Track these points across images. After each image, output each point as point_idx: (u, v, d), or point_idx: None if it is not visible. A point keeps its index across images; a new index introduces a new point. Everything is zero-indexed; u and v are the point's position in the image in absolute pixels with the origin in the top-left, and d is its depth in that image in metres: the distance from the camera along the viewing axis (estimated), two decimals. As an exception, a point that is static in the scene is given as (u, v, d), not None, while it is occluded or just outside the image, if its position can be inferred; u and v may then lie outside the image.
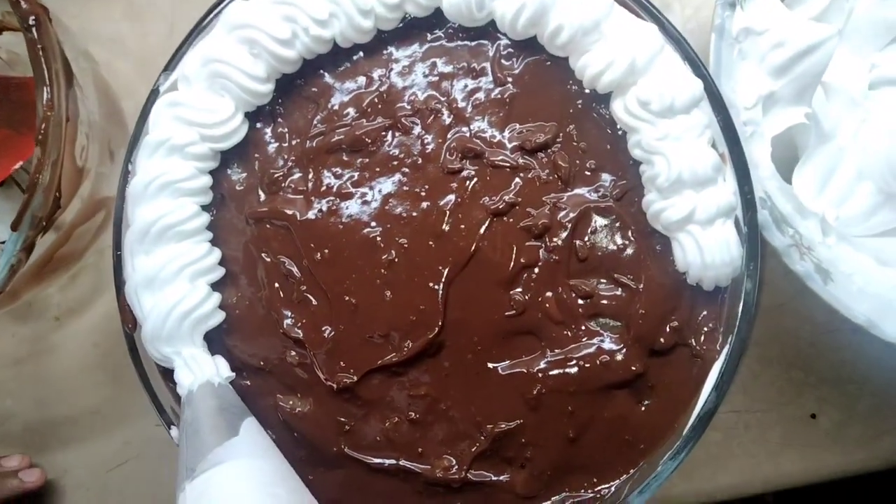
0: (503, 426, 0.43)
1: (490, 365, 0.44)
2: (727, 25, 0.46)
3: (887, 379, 0.57)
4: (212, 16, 0.44)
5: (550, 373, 0.43)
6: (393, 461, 0.44)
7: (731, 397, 0.59)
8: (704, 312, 0.43)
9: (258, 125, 0.45)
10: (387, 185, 0.44)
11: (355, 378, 0.43)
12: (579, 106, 0.44)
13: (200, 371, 0.42)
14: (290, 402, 0.45)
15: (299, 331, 0.44)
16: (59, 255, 0.58)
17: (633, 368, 0.42)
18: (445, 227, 0.43)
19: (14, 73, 0.65)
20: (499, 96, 0.44)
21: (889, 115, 0.52)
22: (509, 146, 0.43)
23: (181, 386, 0.43)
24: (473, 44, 0.44)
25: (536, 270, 0.43)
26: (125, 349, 0.49)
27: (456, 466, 0.43)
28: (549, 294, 0.43)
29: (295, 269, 0.44)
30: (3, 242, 0.65)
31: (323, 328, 0.44)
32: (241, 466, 0.39)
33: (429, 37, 0.44)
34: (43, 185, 0.50)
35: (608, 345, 0.43)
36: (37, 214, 0.50)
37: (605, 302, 0.43)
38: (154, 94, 0.44)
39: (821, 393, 0.58)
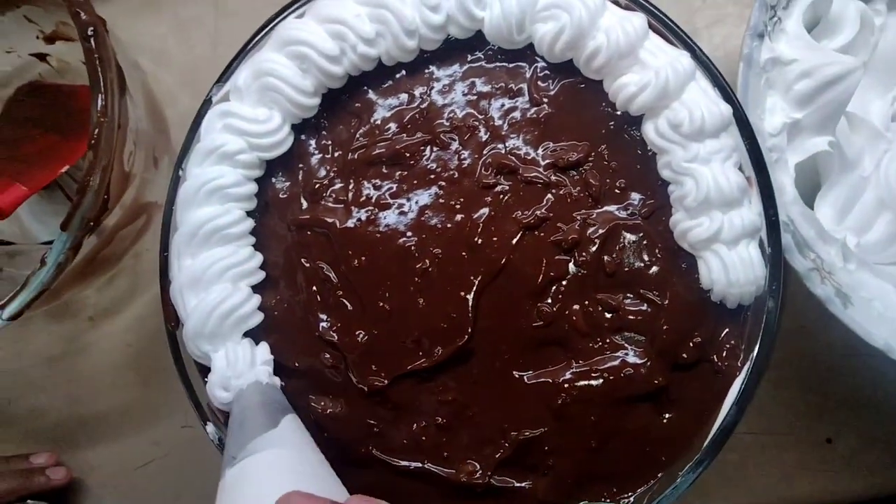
0: (527, 434, 0.44)
1: (516, 374, 0.45)
2: (755, 55, 0.48)
3: (905, 405, 0.58)
4: (264, 31, 0.46)
5: (575, 383, 0.44)
6: (419, 464, 0.45)
7: (748, 418, 0.60)
8: (727, 329, 0.45)
9: (303, 137, 0.47)
10: (423, 197, 0.45)
11: (386, 382, 0.45)
12: (611, 127, 0.45)
13: (249, 369, 0.44)
14: (322, 403, 0.46)
15: (334, 334, 0.46)
16: (101, 257, 0.60)
17: (656, 382, 0.44)
18: (478, 240, 0.45)
19: (64, 80, 0.67)
20: (534, 116, 0.45)
21: (911, 147, 0.53)
22: (542, 163, 0.45)
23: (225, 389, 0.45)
24: (511, 65, 0.46)
25: (565, 283, 0.45)
26: (157, 350, 0.51)
27: (480, 472, 0.45)
28: (576, 307, 0.45)
29: (332, 275, 0.46)
30: (46, 243, 0.68)
31: (357, 332, 0.45)
32: (274, 455, 0.40)
33: (469, 58, 0.46)
34: (93, 188, 0.52)
35: (632, 358, 0.44)
36: (85, 216, 0.52)
37: (630, 317, 0.44)
38: (206, 105, 0.46)
39: (838, 417, 0.59)
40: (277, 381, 0.46)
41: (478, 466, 0.45)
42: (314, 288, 0.46)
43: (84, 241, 0.54)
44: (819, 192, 0.53)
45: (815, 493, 0.59)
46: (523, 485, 0.45)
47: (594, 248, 0.44)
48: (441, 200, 0.45)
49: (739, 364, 0.44)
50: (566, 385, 0.44)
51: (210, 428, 0.46)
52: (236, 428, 0.42)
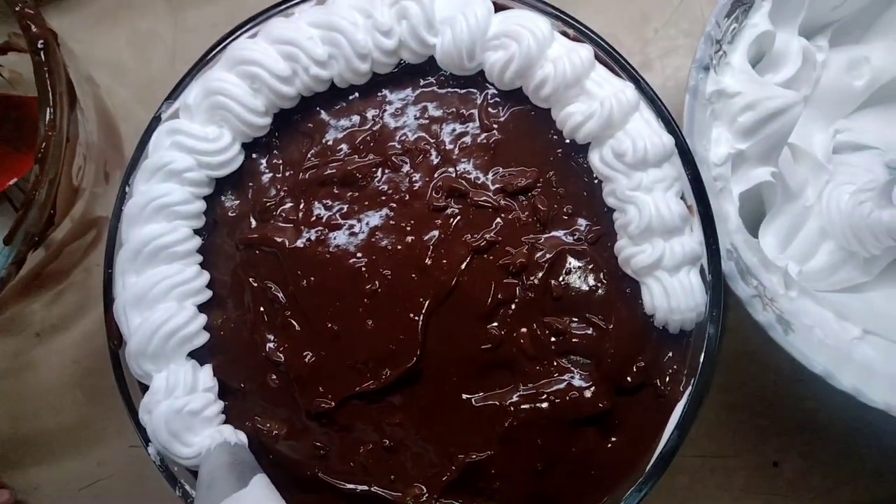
0: (474, 457, 0.44)
1: (464, 396, 0.45)
2: (701, 87, 0.49)
3: (848, 430, 0.59)
4: (216, 50, 0.46)
5: (522, 406, 0.44)
6: (365, 487, 0.45)
7: (697, 441, 0.61)
8: (670, 354, 0.45)
9: (254, 156, 0.47)
10: (374, 218, 0.46)
11: (333, 404, 0.45)
12: (559, 154, 0.46)
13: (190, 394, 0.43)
14: (268, 425, 0.46)
15: (281, 355, 0.45)
16: (48, 272, 0.59)
17: (601, 405, 0.44)
18: (428, 262, 0.45)
19: (16, 92, 0.66)
20: (484, 141, 0.46)
21: (851, 178, 0.55)
22: (492, 188, 0.46)
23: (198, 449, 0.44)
24: (463, 91, 0.47)
25: (513, 307, 0.45)
26: (105, 368, 0.50)
27: (426, 495, 0.44)
28: (523, 330, 0.45)
29: (280, 295, 0.46)
30: (-7, 257, 0.67)
31: (304, 353, 0.45)
32: None
33: (422, 82, 0.47)
34: (39, 203, 0.51)
35: (578, 381, 0.45)
36: (30, 230, 0.51)
37: (576, 340, 0.45)
38: (156, 121, 0.46)
39: (784, 441, 0.60)
40: (244, 438, 0.45)
41: (424, 490, 0.44)
42: (261, 308, 0.46)
43: (29, 255, 0.53)
44: (763, 221, 0.54)
45: (761, 517, 0.60)
46: None
47: (541, 273, 0.45)
48: (392, 222, 0.46)
49: (682, 389, 0.45)
50: (513, 408, 0.44)
51: (152, 450, 0.45)
52: (204, 490, 0.42)
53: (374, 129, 0.46)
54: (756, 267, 0.50)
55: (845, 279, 0.55)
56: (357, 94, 0.47)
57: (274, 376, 0.46)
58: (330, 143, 0.46)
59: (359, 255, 0.45)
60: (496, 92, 0.46)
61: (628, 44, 0.63)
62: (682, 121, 0.48)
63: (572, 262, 0.45)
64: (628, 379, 0.45)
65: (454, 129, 0.46)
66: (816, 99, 0.56)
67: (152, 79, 0.67)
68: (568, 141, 0.46)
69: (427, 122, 0.46)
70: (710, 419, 0.61)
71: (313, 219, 0.46)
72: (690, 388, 0.44)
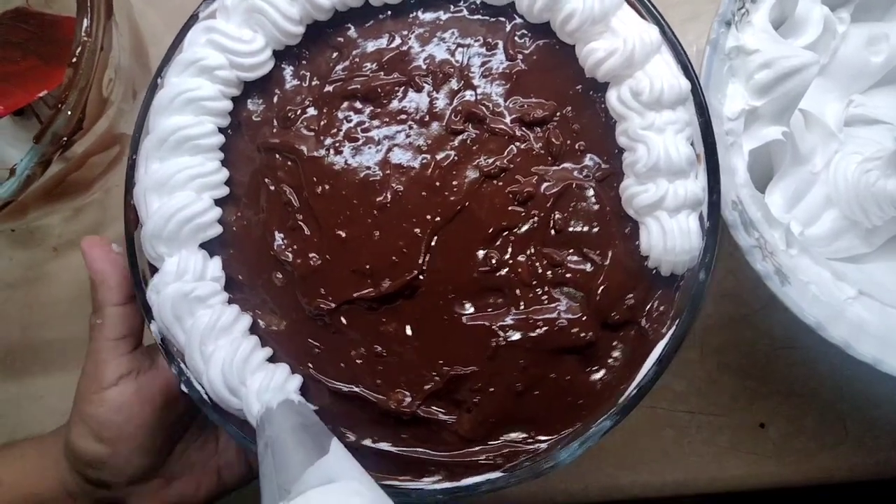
0: (459, 370, 0.46)
1: (457, 313, 0.46)
2: (721, 41, 0.51)
3: (835, 398, 0.60)
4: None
5: (511, 329, 0.46)
6: (352, 387, 0.47)
7: (687, 398, 0.62)
8: (658, 296, 0.46)
9: (283, 64, 0.48)
10: (392, 135, 0.47)
11: (333, 305, 0.46)
12: (579, 90, 0.47)
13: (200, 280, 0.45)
14: (267, 319, 0.47)
15: (289, 254, 0.47)
16: (70, 180, 0.61)
17: (586, 336, 0.45)
18: (439, 182, 0.46)
19: (51, 11, 0.68)
20: (507, 71, 0.47)
21: (860, 149, 0.56)
22: (509, 117, 0.47)
23: (252, 407, 0.44)
24: (492, 20, 0.48)
25: (515, 234, 0.46)
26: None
27: (409, 400, 0.46)
28: (521, 258, 0.46)
29: (294, 199, 0.47)
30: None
31: (311, 255, 0.47)
32: (341, 489, 0.38)
33: (452, 7, 0.48)
34: (69, 106, 0.52)
35: (566, 313, 0.46)
36: (58, 132, 0.53)
37: (570, 274, 0.46)
38: (193, 19, 0.48)
39: (772, 404, 0.61)
40: (298, 390, 0.45)
41: (407, 395, 0.46)
42: (275, 210, 0.47)
43: (54, 159, 0.54)
44: (770, 182, 0.55)
45: (744, 476, 0.61)
46: (448, 418, 0.46)
47: (547, 204, 0.46)
48: (409, 140, 0.47)
49: (664, 331, 0.46)
50: (501, 330, 0.46)
51: (154, 328, 0.47)
52: (279, 452, 0.39)
53: (402, 48, 0.47)
54: (759, 221, 0.51)
55: (846, 247, 0.56)
56: (389, 13, 0.48)
57: (279, 275, 0.47)
58: (357, 59, 0.48)
59: (374, 168, 0.47)
60: (524, 23, 0.47)
61: (652, 7, 0.64)
62: (700, 72, 0.49)
63: (577, 197, 0.46)
64: (615, 315, 0.46)
65: (479, 56, 0.47)
66: (833, 70, 0.57)
67: (183, 5, 0.68)
68: (588, 77, 0.47)
69: (454, 46, 0.47)
70: (701, 378, 0.62)
71: (334, 130, 0.47)
72: (672, 329, 0.45)
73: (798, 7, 0.54)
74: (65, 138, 0.54)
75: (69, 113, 0.53)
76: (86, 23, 0.53)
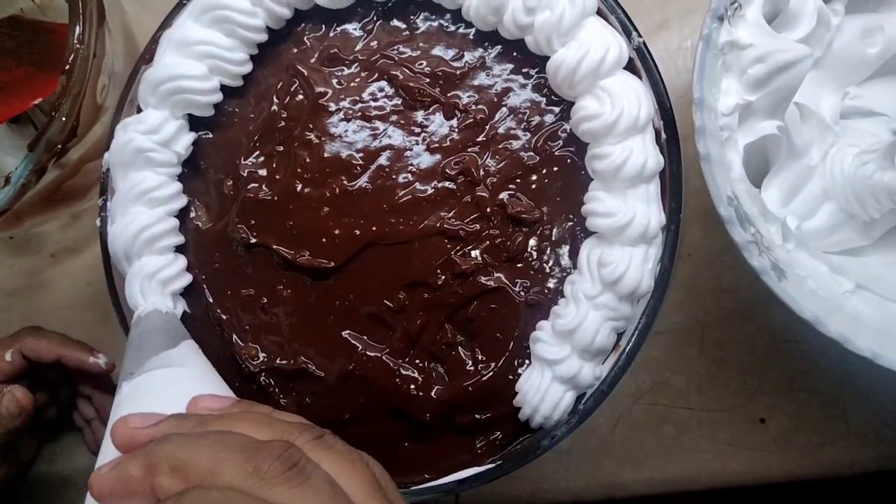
0: (309, 367, 0.48)
1: (340, 320, 0.48)
2: (714, 36, 0.50)
3: (836, 392, 0.60)
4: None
5: (372, 364, 0.48)
6: (221, 316, 0.49)
7: (687, 394, 0.62)
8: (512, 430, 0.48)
9: (362, 9, 0.50)
10: (397, 138, 0.48)
11: (252, 241, 0.49)
12: (571, 213, 0.49)
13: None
14: (199, 213, 0.50)
15: (250, 172, 0.49)
16: (67, 187, 0.61)
17: (424, 416, 0.47)
18: (402, 207, 0.48)
19: (46, 18, 0.68)
20: (524, 160, 0.48)
21: (856, 142, 0.56)
22: (496, 198, 0.48)
23: (135, 305, 0.49)
24: (545, 101, 0.49)
25: (433, 294, 0.48)
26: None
27: (257, 361, 0.48)
28: (422, 316, 0.48)
29: (284, 127, 0.49)
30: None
31: (263, 187, 0.49)
32: (171, 373, 0.43)
33: (531, 72, 0.49)
34: (63, 113, 0.53)
35: (422, 387, 0.48)
36: (52, 140, 0.53)
37: (449, 358, 0.48)
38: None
39: (772, 400, 0.61)
40: (179, 309, 0.49)
41: (261, 357, 0.48)
42: (266, 128, 0.49)
43: (49, 166, 0.54)
44: (766, 176, 0.55)
45: (746, 472, 0.61)
46: (284, 401, 0.49)
47: (475, 292, 0.47)
48: (406, 154, 0.48)
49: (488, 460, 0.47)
50: (363, 359, 0.48)
51: (106, 156, 0.51)
52: (135, 348, 0.45)
53: (461, 69, 0.48)
54: (755, 217, 0.51)
55: (844, 240, 0.56)
56: (474, 30, 0.49)
57: (230, 183, 0.50)
58: (419, 51, 0.48)
59: (362, 155, 0.48)
60: (566, 127, 0.48)
61: (648, 2, 0.64)
62: (693, 70, 0.49)
63: (502, 304, 0.48)
64: (461, 421, 0.47)
65: (517, 120, 0.48)
66: (828, 63, 0.57)
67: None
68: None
69: (496, 99, 0.48)
70: (700, 374, 0.62)
71: (355, 97, 0.48)
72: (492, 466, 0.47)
73: (791, 0, 0.53)
74: (59, 146, 0.54)
75: (63, 120, 0.53)
76: (78, 30, 0.53)
